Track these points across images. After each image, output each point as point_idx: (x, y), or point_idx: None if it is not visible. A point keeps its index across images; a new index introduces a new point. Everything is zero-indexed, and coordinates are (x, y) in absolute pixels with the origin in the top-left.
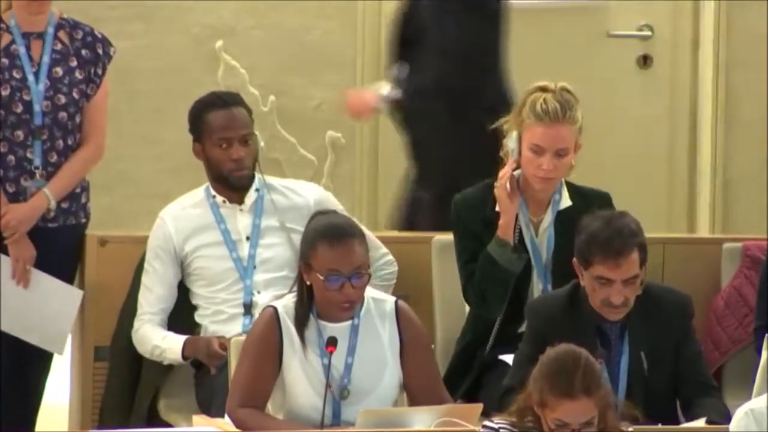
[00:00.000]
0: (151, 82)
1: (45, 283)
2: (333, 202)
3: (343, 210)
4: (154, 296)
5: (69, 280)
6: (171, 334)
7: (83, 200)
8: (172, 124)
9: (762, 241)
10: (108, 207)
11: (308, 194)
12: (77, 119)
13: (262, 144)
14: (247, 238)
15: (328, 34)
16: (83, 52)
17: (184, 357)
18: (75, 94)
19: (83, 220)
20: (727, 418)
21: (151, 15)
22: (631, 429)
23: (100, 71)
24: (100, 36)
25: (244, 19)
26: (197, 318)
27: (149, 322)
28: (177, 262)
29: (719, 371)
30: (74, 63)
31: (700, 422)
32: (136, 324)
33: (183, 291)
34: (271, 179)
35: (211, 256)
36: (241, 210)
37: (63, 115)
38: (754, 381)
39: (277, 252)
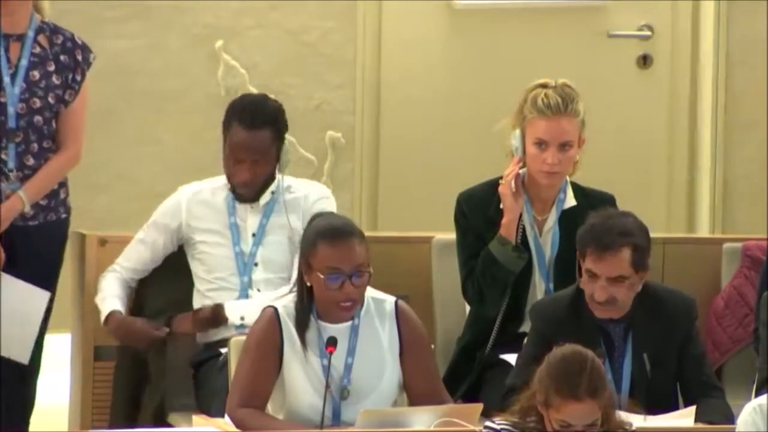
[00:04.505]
0: (151, 82)
1: (11, 286)
2: (327, 204)
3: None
4: (136, 253)
5: (54, 276)
6: (111, 296)
7: (62, 196)
8: (171, 125)
9: (762, 241)
10: (108, 207)
11: (309, 189)
12: (53, 124)
13: (289, 156)
14: (253, 235)
15: (328, 34)
16: (62, 57)
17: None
18: (50, 99)
19: (64, 216)
20: (730, 419)
21: (151, 15)
22: (633, 428)
23: (78, 77)
24: (80, 42)
25: (244, 19)
26: (195, 295)
27: (114, 272)
28: (174, 238)
29: (719, 371)
30: (52, 67)
31: (689, 410)
32: (108, 269)
33: (186, 281)
34: (289, 179)
35: (215, 243)
36: (252, 207)
37: (38, 119)
38: (753, 381)
39: (280, 252)
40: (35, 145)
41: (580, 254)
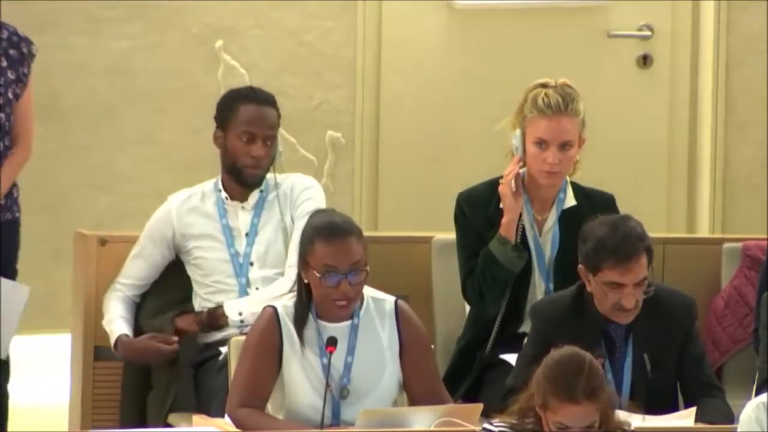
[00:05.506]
0: (151, 82)
1: None
2: (313, 193)
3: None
4: (136, 269)
5: (14, 275)
6: (117, 318)
7: (15, 194)
8: (172, 124)
9: (762, 241)
10: (108, 207)
11: (294, 180)
12: (11, 120)
13: (281, 149)
14: (246, 235)
15: (328, 34)
16: (11, 51)
17: (116, 349)
18: (9, 95)
19: (17, 214)
20: (731, 419)
21: (151, 15)
22: (632, 429)
23: (26, 70)
24: (23, 35)
25: (244, 19)
26: (195, 299)
27: (116, 292)
28: (170, 247)
29: (719, 371)
30: (5, 63)
31: (689, 412)
32: (110, 288)
33: (186, 280)
34: (278, 177)
35: (209, 247)
36: (242, 208)
37: (0, 116)
38: (753, 381)
39: (274, 247)
40: (0, 144)
41: (590, 269)
